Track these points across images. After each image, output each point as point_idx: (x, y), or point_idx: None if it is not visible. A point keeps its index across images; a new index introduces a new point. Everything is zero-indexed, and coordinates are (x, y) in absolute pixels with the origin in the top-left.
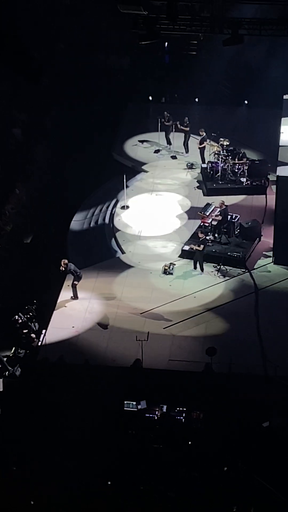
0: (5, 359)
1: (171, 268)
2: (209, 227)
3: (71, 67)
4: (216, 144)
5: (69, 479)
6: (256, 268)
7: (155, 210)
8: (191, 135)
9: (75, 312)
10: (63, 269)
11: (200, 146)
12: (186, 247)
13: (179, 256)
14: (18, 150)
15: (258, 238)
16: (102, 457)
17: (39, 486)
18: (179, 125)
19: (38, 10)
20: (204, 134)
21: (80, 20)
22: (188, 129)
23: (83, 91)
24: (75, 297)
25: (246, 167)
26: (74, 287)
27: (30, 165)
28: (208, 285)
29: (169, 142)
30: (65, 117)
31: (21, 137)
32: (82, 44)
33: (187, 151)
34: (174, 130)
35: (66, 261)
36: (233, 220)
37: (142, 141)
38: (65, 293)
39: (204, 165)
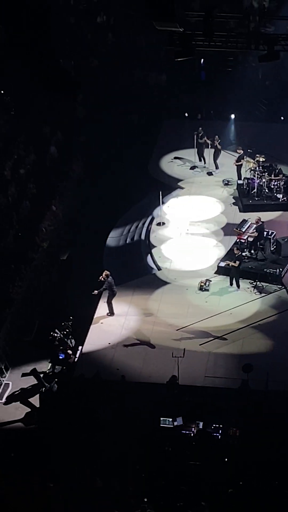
0: (41, 375)
1: (207, 285)
2: (245, 244)
3: (107, 84)
4: (252, 160)
5: (104, 495)
6: None
7: (191, 226)
8: (227, 151)
9: (111, 328)
10: (102, 279)
11: (238, 163)
12: (222, 264)
13: (215, 273)
14: (54, 167)
15: None
16: (139, 474)
17: (75, 502)
18: (208, 141)
19: (74, 27)
20: (242, 151)
21: (116, 37)
22: (219, 146)
23: (118, 107)
24: (111, 313)
25: (282, 183)
26: (110, 303)
27: (66, 182)
28: (244, 302)
29: (204, 159)
30: (100, 133)
31: (57, 154)
32: (118, 61)
33: (216, 167)
34: (209, 146)
35: (108, 272)
36: (269, 237)
37: (177, 158)
38: (101, 310)
39: (240, 182)
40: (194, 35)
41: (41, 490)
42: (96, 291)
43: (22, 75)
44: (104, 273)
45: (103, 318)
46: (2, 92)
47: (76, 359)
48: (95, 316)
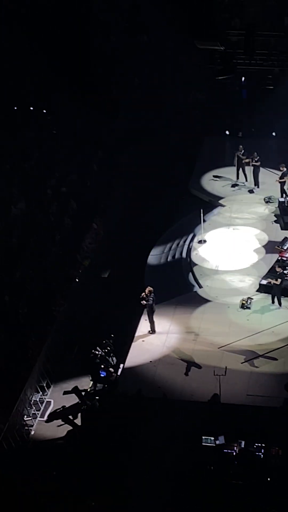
0: (83, 393)
1: (248, 303)
2: (287, 261)
3: (148, 102)
4: None
5: None
6: None
7: (233, 244)
8: (267, 169)
9: (152, 346)
10: (145, 295)
11: (280, 181)
12: (264, 281)
13: (257, 290)
14: (96, 186)
15: None
16: (181, 492)
17: None
18: (247, 160)
19: (115, 46)
20: (285, 169)
21: (157, 56)
22: (257, 163)
23: (159, 126)
24: (152, 331)
25: None
26: (152, 321)
27: (107, 200)
28: (286, 320)
29: (245, 176)
30: (141, 151)
31: (99, 173)
32: (159, 80)
33: (256, 185)
34: (249, 164)
35: (151, 289)
36: None
37: (216, 176)
38: (143, 327)
39: (282, 199)
40: (235, 54)
41: (84, 509)
42: (144, 302)
43: (63, 94)
44: (147, 289)
45: (144, 336)
46: (44, 111)
47: (117, 377)
48: (136, 334)
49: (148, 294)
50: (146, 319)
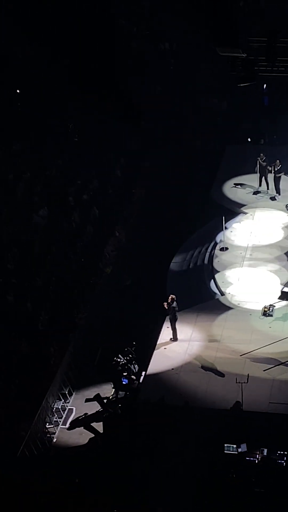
0: (105, 400)
1: (271, 310)
2: None
3: (170, 110)
4: None
5: None
6: None
7: (254, 251)
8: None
9: (174, 354)
10: (169, 302)
11: None
12: (286, 289)
13: (279, 298)
14: (118, 193)
15: None
16: (203, 500)
17: None
18: (269, 167)
19: (136, 54)
20: None
21: (179, 63)
22: (280, 171)
23: (181, 133)
24: (175, 339)
25: None
26: (174, 328)
27: (129, 207)
28: None
29: (267, 184)
30: (163, 159)
31: (121, 180)
32: (181, 87)
33: (278, 192)
34: (271, 172)
35: (174, 297)
36: None
37: (238, 184)
38: (165, 335)
39: None
40: (257, 61)
41: None
42: (166, 304)
43: (85, 101)
44: (170, 298)
45: (166, 343)
46: (68, 124)
47: (139, 384)
48: (158, 341)
49: (171, 302)
50: (168, 326)
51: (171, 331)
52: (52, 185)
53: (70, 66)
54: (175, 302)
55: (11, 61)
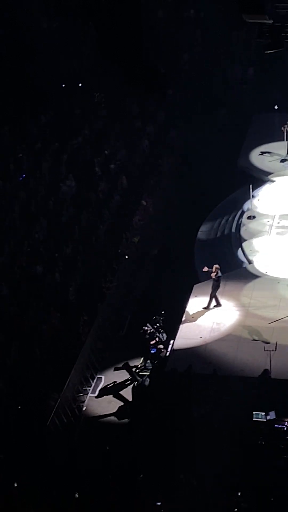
0: (134, 369)
1: None
2: None
3: (196, 79)
4: None
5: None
6: None
7: (282, 219)
8: None
9: (202, 322)
10: (215, 272)
11: None
12: None
13: None
14: (145, 162)
15: None
16: (231, 468)
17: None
18: None
19: (162, 22)
20: None
21: (205, 31)
22: None
23: (208, 102)
24: (217, 304)
25: None
26: (214, 297)
27: (157, 177)
28: None
29: None
30: (190, 128)
31: (148, 149)
32: (207, 56)
33: None
34: None
35: (218, 266)
36: None
37: (264, 152)
38: (193, 304)
39: None
40: (284, 27)
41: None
42: (213, 274)
43: (113, 71)
44: (214, 267)
45: (194, 312)
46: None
47: (167, 353)
48: (186, 310)
49: (217, 272)
50: (196, 295)
51: (209, 298)
52: (79, 155)
53: (97, 36)
54: (219, 271)
55: (38, 33)
